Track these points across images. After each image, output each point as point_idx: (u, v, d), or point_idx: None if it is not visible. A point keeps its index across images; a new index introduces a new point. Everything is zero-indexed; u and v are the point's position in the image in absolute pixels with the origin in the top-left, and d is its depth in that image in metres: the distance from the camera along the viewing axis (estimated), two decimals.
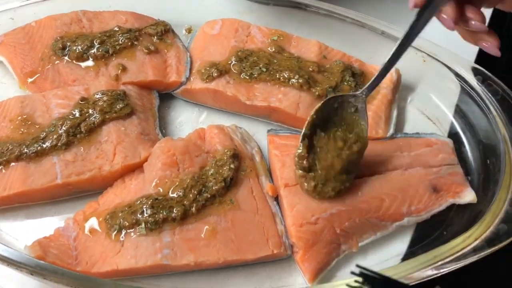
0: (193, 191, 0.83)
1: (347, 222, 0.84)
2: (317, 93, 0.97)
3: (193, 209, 0.82)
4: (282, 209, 0.87)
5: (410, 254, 0.85)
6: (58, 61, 1.00)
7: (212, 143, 0.92)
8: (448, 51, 1.02)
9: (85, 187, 0.88)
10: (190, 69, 1.02)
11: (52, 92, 0.95)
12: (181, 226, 0.81)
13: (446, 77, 1.01)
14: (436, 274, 0.76)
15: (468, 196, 0.90)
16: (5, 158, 0.86)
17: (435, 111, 1.03)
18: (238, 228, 0.82)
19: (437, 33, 1.11)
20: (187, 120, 1.02)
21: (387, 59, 0.86)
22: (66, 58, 1.00)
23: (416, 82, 1.06)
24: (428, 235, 0.88)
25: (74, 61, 1.00)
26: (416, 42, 1.01)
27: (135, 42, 1.02)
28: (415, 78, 1.06)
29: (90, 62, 1.00)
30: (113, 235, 0.80)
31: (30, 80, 1.00)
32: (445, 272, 0.77)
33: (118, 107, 0.92)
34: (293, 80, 0.98)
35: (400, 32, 1.01)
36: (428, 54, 1.03)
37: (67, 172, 0.86)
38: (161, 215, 0.80)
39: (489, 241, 0.79)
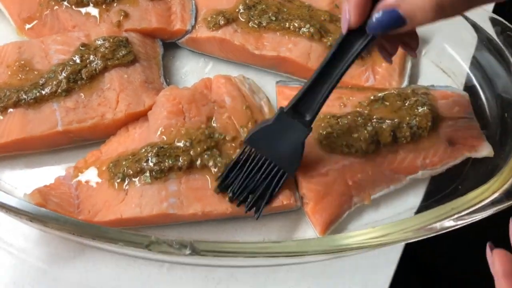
0: (201, 145, 0.80)
1: (359, 174, 0.81)
2: (328, 43, 0.93)
3: (199, 161, 0.78)
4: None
5: (424, 208, 0.83)
6: (57, 7, 0.95)
7: (219, 93, 0.88)
8: None
9: (87, 135, 0.84)
10: (196, 17, 0.98)
11: (51, 37, 0.90)
12: (187, 175, 0.78)
13: (463, 28, 0.97)
14: (454, 226, 0.73)
15: (485, 150, 0.86)
16: (2, 104, 0.82)
17: (450, 64, 0.99)
18: None
19: None
20: (192, 70, 0.98)
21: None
22: (65, 3, 0.95)
23: (431, 33, 1.02)
24: (442, 189, 0.85)
25: (73, 7, 0.95)
26: None
27: None
28: (430, 29, 1.01)
29: (90, 8, 0.95)
30: (117, 184, 0.77)
31: (28, 26, 0.96)
32: (464, 224, 0.74)
33: (120, 54, 0.88)
34: (304, 29, 0.93)
35: None
36: None
37: (68, 119, 0.82)
38: (166, 163, 0.77)
39: (508, 194, 0.76)
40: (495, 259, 0.54)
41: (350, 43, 0.67)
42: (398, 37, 0.69)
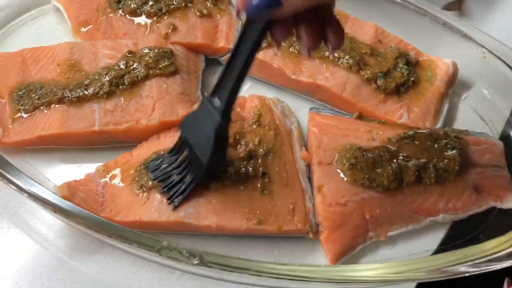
0: None
1: (378, 209, 0.81)
2: (366, 76, 0.94)
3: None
4: (312, 187, 0.84)
5: (440, 251, 0.81)
6: (112, 14, 1.01)
7: (250, 112, 0.90)
8: (510, 49, 0.96)
9: (121, 137, 0.88)
10: None
11: (102, 42, 0.96)
12: (208, 188, 0.80)
13: (505, 77, 0.96)
14: (467, 272, 0.72)
15: (511, 201, 0.85)
16: (48, 99, 0.87)
17: (489, 111, 0.98)
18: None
19: (500, 29, 1.07)
20: None
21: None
22: (120, 11, 1.01)
23: (473, 78, 1.01)
24: (462, 235, 0.84)
25: (127, 16, 1.00)
26: (478, 37, 0.97)
27: (189, 4, 1.02)
28: (473, 74, 1.01)
29: (142, 18, 1.00)
30: (141, 188, 0.80)
31: (83, 29, 1.01)
32: (477, 273, 0.72)
33: (163, 64, 0.92)
34: (343, 60, 0.95)
35: (464, 25, 0.98)
36: (488, 50, 0.97)
37: (105, 120, 0.86)
38: None
39: None
40: None
41: (247, 31, 0.67)
42: (317, 30, 0.67)
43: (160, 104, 0.89)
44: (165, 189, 0.79)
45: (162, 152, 0.82)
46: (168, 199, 0.79)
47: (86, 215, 0.73)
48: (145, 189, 0.80)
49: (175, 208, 0.78)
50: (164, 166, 0.80)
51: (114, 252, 0.81)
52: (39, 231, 0.83)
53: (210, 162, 0.75)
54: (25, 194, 0.74)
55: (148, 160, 0.82)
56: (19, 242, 0.81)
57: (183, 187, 0.78)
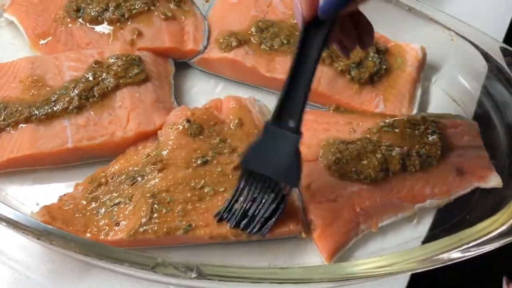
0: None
1: (367, 201, 0.81)
2: (340, 68, 0.94)
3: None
4: (300, 185, 0.83)
5: (431, 237, 0.82)
6: (71, 24, 0.96)
7: (229, 114, 0.88)
8: (476, 30, 0.97)
9: (96, 153, 0.85)
10: (208, 38, 0.99)
11: (65, 54, 0.91)
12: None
13: (474, 57, 0.97)
14: (461, 257, 0.73)
15: (494, 180, 0.86)
16: (13, 119, 0.83)
17: (460, 92, 0.99)
18: None
19: (466, 11, 1.09)
20: (202, 91, 0.98)
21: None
22: (80, 20, 0.96)
23: (442, 61, 1.02)
24: (450, 218, 0.85)
25: (88, 24, 0.96)
26: (444, 20, 0.98)
27: (152, 7, 0.98)
28: (441, 57, 1.02)
29: (104, 26, 0.96)
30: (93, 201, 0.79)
31: (42, 42, 0.96)
32: (470, 256, 0.73)
33: (133, 72, 0.89)
34: None
35: (429, 9, 0.99)
36: (456, 33, 0.98)
37: (78, 136, 0.82)
38: None
39: None
40: None
41: (311, 39, 0.66)
42: (352, 32, 0.69)
43: (134, 114, 0.85)
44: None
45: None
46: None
47: (73, 238, 0.69)
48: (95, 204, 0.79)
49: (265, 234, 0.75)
50: (237, 208, 0.76)
51: (101, 274, 0.78)
52: (18, 259, 0.79)
53: (298, 177, 0.72)
54: (4, 223, 0.70)
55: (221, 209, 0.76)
56: None
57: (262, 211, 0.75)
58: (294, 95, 0.69)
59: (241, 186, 0.75)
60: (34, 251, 0.79)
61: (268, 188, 0.74)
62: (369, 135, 0.86)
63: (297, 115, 0.70)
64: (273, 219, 0.75)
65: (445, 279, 0.75)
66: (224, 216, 0.76)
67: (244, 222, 0.75)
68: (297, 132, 0.70)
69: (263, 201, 0.75)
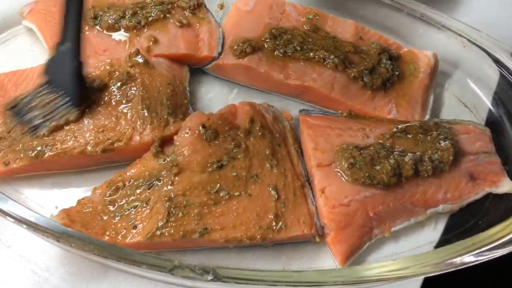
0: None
1: (381, 205, 0.82)
2: (352, 74, 0.95)
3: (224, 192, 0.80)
4: (313, 189, 0.84)
5: (443, 242, 0.83)
6: (89, 31, 0.98)
7: (243, 120, 0.89)
8: (488, 36, 0.98)
9: (114, 157, 0.86)
10: (223, 45, 1.00)
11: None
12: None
13: (486, 64, 0.98)
14: (474, 262, 0.73)
15: (506, 185, 0.87)
16: None
17: (472, 98, 1.01)
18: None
19: (478, 18, 1.10)
20: (217, 96, 1.00)
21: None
22: (98, 27, 0.98)
23: (454, 67, 1.03)
24: (463, 223, 0.86)
25: (105, 31, 0.98)
26: (456, 27, 0.99)
27: (168, 15, 1.00)
28: (453, 63, 1.03)
29: (121, 33, 0.98)
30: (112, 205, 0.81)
31: None
32: (483, 261, 0.74)
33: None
34: (329, 60, 0.95)
35: (441, 17, 1.00)
36: (468, 39, 0.99)
37: (96, 141, 0.84)
38: None
39: None
40: None
41: None
42: None
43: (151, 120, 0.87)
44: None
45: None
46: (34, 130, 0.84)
47: (91, 241, 0.71)
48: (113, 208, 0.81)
49: (43, 135, 0.84)
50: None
51: (119, 276, 0.79)
52: (37, 262, 0.80)
53: (76, 97, 0.85)
54: (24, 226, 0.71)
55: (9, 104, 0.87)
56: (17, 276, 0.78)
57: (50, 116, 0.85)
58: (68, 22, 0.82)
59: (37, 90, 0.85)
60: (53, 254, 0.81)
61: (59, 98, 0.85)
62: (382, 141, 0.87)
63: (72, 40, 0.83)
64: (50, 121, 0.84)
65: (458, 284, 0.75)
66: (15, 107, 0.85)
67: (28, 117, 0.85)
68: (76, 57, 0.84)
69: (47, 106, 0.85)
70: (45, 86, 0.85)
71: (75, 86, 0.84)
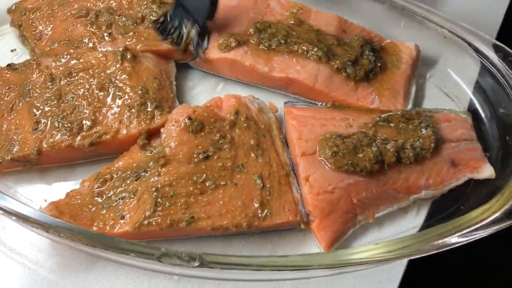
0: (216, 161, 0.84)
1: (364, 192, 0.83)
2: (336, 66, 0.96)
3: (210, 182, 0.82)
4: (298, 178, 0.86)
5: (426, 227, 0.85)
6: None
7: (229, 112, 0.91)
8: (469, 27, 1.00)
9: (101, 150, 0.88)
10: (208, 40, 1.02)
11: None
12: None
13: (466, 54, 1.00)
14: (457, 243, 0.75)
15: (486, 171, 0.89)
16: None
17: (454, 88, 1.02)
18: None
19: (458, 9, 1.12)
20: (203, 91, 1.02)
21: None
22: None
23: (435, 58, 1.05)
24: (445, 209, 0.87)
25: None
26: (437, 18, 1.01)
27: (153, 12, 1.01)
28: (434, 54, 1.05)
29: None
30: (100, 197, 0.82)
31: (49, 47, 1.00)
32: (465, 242, 0.75)
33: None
34: (312, 52, 0.97)
35: (422, 9, 1.02)
36: (449, 30, 1.01)
37: (83, 134, 0.85)
38: None
39: (509, 214, 0.78)
40: None
41: None
42: None
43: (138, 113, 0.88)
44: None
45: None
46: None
47: (81, 231, 0.72)
48: (101, 199, 0.82)
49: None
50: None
51: (108, 266, 0.81)
52: (27, 255, 0.81)
53: (206, 18, 0.97)
54: (13, 217, 0.73)
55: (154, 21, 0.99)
56: (7, 268, 0.80)
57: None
58: None
59: (172, 12, 0.97)
60: (43, 247, 0.82)
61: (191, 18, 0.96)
62: (364, 130, 0.89)
63: None
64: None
65: (440, 265, 0.77)
66: (160, 28, 0.97)
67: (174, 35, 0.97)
68: None
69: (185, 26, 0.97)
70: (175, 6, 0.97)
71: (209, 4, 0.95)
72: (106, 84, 0.91)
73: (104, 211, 0.80)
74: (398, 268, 0.81)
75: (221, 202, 0.80)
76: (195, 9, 0.95)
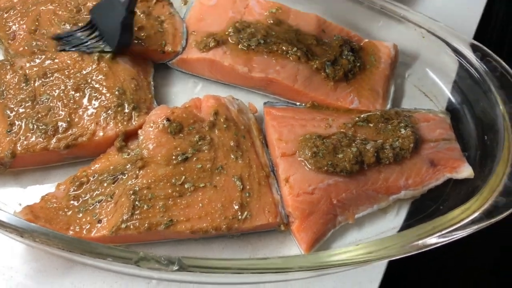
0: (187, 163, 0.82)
1: (344, 193, 0.83)
2: (315, 66, 0.96)
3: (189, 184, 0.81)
4: (278, 179, 0.85)
5: (406, 227, 0.85)
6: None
7: (208, 113, 0.90)
8: (447, 27, 1.01)
9: (77, 153, 0.86)
10: (187, 39, 1.01)
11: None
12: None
13: (445, 53, 1.01)
14: (437, 243, 0.75)
15: (465, 171, 0.89)
16: None
17: (432, 88, 1.03)
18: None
19: (437, 9, 1.12)
20: (182, 91, 1.00)
21: None
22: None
23: (414, 58, 1.06)
24: (424, 209, 0.88)
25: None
26: (416, 18, 1.02)
27: None
28: (413, 54, 1.05)
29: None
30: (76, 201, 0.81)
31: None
32: (445, 243, 0.76)
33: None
34: (291, 52, 0.96)
35: (401, 9, 1.02)
36: (427, 30, 1.01)
37: (59, 137, 0.84)
38: None
39: (488, 213, 0.79)
40: None
41: None
42: None
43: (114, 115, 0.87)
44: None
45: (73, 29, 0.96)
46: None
47: (56, 235, 0.70)
48: (77, 203, 0.80)
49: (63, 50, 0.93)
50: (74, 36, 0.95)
51: (84, 270, 0.79)
52: (1, 261, 0.79)
53: (118, 44, 0.91)
54: None
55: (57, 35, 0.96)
56: None
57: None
58: None
59: (83, 27, 0.95)
60: (18, 252, 0.80)
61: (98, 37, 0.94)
62: (344, 130, 0.89)
63: None
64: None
65: (421, 265, 0.78)
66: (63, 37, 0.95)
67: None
68: (127, 10, 0.88)
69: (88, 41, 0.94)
70: (89, 26, 0.94)
71: (120, 36, 0.90)
72: (82, 85, 0.89)
73: (81, 214, 0.79)
74: (379, 269, 0.81)
75: (200, 205, 0.79)
76: (107, 33, 0.93)
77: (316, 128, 0.90)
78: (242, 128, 0.90)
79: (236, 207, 0.80)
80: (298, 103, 0.98)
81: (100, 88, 0.89)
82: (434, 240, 0.75)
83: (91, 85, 0.90)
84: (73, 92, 0.89)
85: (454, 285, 0.88)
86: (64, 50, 0.94)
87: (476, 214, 0.79)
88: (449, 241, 0.76)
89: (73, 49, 0.93)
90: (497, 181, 0.84)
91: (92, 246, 0.70)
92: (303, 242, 0.80)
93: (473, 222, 0.78)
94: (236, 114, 0.91)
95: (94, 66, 0.92)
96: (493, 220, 0.78)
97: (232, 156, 0.85)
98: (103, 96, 0.89)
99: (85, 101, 0.88)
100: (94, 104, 0.88)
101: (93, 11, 0.95)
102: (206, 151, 0.84)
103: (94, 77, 0.91)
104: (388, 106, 0.98)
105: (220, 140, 0.86)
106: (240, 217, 0.79)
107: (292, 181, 0.83)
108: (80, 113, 0.87)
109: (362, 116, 0.91)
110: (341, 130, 0.89)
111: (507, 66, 0.96)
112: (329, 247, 0.83)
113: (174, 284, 0.78)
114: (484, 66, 0.96)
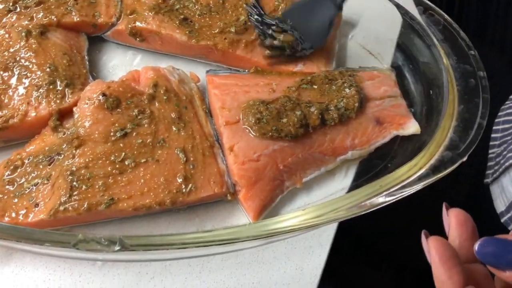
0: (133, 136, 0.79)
1: (290, 157, 0.82)
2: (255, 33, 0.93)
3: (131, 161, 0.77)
4: (223, 148, 0.83)
5: (354, 187, 0.84)
6: None
7: (147, 85, 0.86)
8: None
9: (10, 135, 0.82)
10: (121, 10, 0.96)
11: None
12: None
13: (388, 10, 0.99)
14: (385, 202, 0.75)
15: (412, 127, 0.89)
16: None
17: (376, 45, 1.01)
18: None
19: None
20: (120, 64, 0.96)
21: None
22: None
23: (357, 16, 1.04)
24: (372, 168, 0.87)
25: None
26: None
27: None
28: (356, 12, 1.03)
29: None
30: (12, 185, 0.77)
31: None
32: (394, 201, 0.75)
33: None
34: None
35: None
36: None
37: None
38: None
39: (434, 169, 0.79)
40: (430, 246, 0.53)
41: None
42: None
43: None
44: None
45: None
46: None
47: None
48: (12, 188, 0.76)
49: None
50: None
51: (25, 257, 0.76)
52: None
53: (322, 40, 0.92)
54: None
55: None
56: None
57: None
58: None
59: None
60: None
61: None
62: (288, 94, 0.87)
63: None
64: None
65: (372, 224, 0.77)
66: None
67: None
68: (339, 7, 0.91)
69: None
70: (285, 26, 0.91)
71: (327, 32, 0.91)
72: (11, 63, 0.85)
73: (16, 199, 0.75)
74: (328, 232, 0.81)
75: (142, 181, 0.76)
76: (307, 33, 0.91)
77: (259, 94, 0.87)
78: (183, 98, 0.87)
79: (180, 180, 0.77)
80: (241, 70, 0.95)
81: (30, 66, 0.85)
82: (381, 199, 0.75)
83: (20, 63, 0.85)
84: (1, 72, 0.84)
85: (406, 243, 0.88)
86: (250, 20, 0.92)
87: (422, 171, 0.79)
88: (397, 199, 0.76)
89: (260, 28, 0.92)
90: (443, 135, 0.84)
91: (28, 232, 0.67)
92: (250, 210, 0.79)
93: (420, 178, 0.78)
94: (177, 85, 0.88)
95: (22, 43, 0.87)
96: (439, 175, 0.78)
97: (174, 128, 0.82)
98: (33, 74, 0.84)
99: (14, 80, 0.84)
100: (25, 83, 0.84)
101: (287, 12, 0.93)
102: (146, 125, 0.81)
103: (23, 55, 0.86)
104: (333, 66, 0.96)
105: (161, 112, 0.83)
106: (184, 190, 0.77)
107: (237, 149, 0.81)
108: (10, 93, 0.83)
109: (306, 78, 0.89)
110: (285, 94, 0.87)
111: (449, 18, 0.95)
112: (278, 213, 0.82)
113: (120, 264, 0.76)
114: (426, 20, 0.95)
